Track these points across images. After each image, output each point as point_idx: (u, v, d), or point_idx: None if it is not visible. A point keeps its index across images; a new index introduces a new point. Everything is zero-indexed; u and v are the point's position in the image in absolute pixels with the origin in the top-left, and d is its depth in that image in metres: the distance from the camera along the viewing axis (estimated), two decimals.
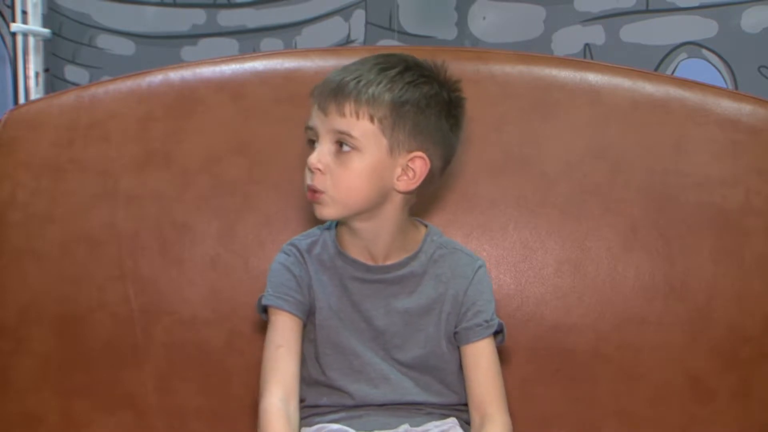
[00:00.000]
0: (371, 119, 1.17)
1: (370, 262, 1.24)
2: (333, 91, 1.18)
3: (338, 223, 1.26)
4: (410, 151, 1.18)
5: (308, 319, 1.25)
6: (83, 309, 1.41)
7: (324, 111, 1.18)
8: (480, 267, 1.26)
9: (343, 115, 1.17)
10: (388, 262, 1.24)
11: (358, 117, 1.16)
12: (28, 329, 1.42)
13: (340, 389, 1.24)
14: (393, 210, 1.22)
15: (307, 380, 1.27)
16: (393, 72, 1.18)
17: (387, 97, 1.17)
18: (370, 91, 1.16)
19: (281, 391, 1.20)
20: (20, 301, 1.42)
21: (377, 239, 1.23)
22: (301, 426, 1.25)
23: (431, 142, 1.19)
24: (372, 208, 1.20)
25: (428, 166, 1.19)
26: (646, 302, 1.37)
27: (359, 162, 1.17)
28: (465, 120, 1.25)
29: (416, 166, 1.19)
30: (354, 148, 1.17)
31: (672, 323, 1.37)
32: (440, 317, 1.24)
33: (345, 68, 1.21)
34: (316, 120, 1.19)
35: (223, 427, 1.39)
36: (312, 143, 1.20)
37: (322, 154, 1.18)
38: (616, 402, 1.37)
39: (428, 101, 1.18)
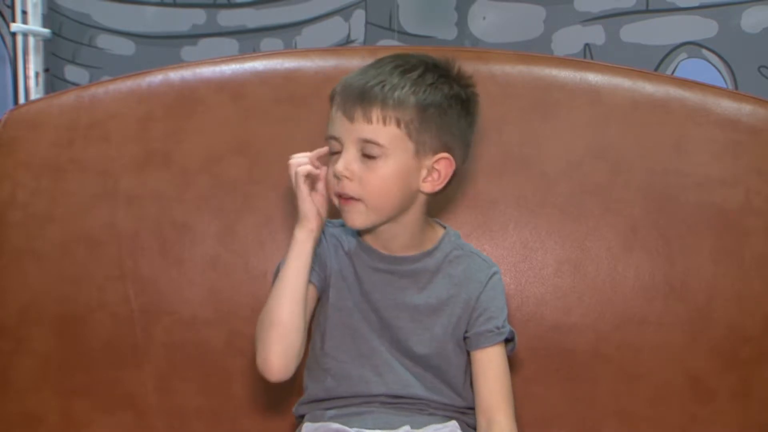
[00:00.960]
0: (398, 124, 1.17)
1: (384, 252, 1.25)
2: (358, 97, 1.17)
3: None
4: (435, 153, 1.19)
5: (323, 298, 1.26)
6: (83, 309, 1.41)
7: (350, 117, 1.17)
8: (495, 273, 1.26)
9: (369, 121, 1.17)
10: (403, 255, 1.25)
11: (385, 123, 1.17)
12: (28, 329, 1.42)
13: (345, 374, 1.24)
14: (417, 210, 1.23)
15: (310, 367, 1.27)
16: (414, 74, 1.19)
17: (412, 100, 1.17)
18: (396, 95, 1.17)
19: None
20: (20, 301, 1.42)
21: (395, 238, 1.24)
22: (304, 421, 1.26)
23: (455, 142, 1.21)
24: (402, 211, 1.21)
25: (453, 165, 1.21)
26: (646, 302, 1.37)
27: (385, 167, 1.18)
28: (478, 116, 1.26)
29: (441, 167, 1.20)
30: (382, 153, 1.17)
31: (672, 323, 1.37)
32: (449, 320, 1.24)
33: (364, 72, 1.20)
34: (341, 128, 1.18)
35: (223, 427, 1.39)
36: (335, 152, 1.20)
37: (348, 161, 1.18)
38: (616, 402, 1.37)
39: (449, 102, 1.19)
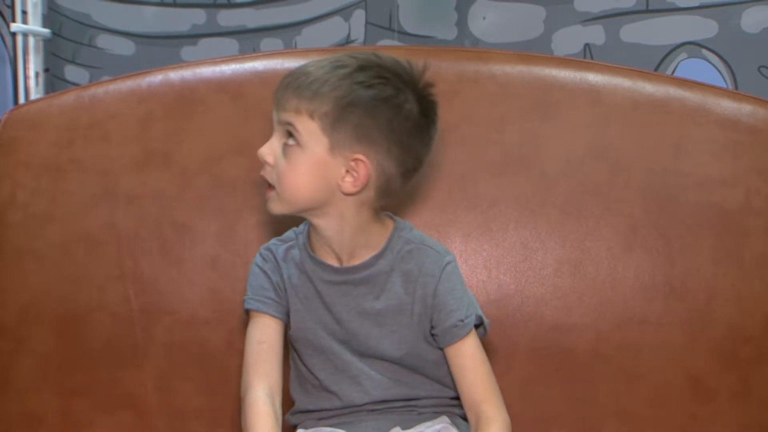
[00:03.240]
0: (311, 116, 1.16)
1: (336, 264, 1.23)
2: (283, 86, 1.18)
3: (309, 225, 1.25)
4: (352, 153, 1.16)
5: (289, 323, 1.26)
6: (83, 309, 1.41)
7: (275, 104, 1.19)
8: (448, 263, 1.23)
9: (285, 109, 1.17)
10: (354, 263, 1.23)
11: (298, 113, 1.16)
12: (28, 329, 1.42)
13: (327, 389, 1.24)
14: (347, 209, 1.20)
15: (298, 382, 1.27)
16: (346, 70, 1.16)
17: (331, 95, 1.15)
18: (314, 88, 1.15)
19: (267, 387, 1.20)
20: (20, 301, 1.42)
21: (337, 237, 1.22)
22: (297, 429, 1.25)
23: (379, 147, 1.16)
24: (321, 205, 1.19)
25: (369, 170, 1.17)
26: (646, 302, 1.37)
27: (300, 158, 1.17)
28: (434, 126, 1.21)
29: (359, 169, 1.17)
30: (298, 143, 1.17)
31: (672, 323, 1.37)
32: (412, 318, 1.22)
33: (306, 63, 1.20)
34: (273, 113, 1.20)
35: (223, 427, 1.39)
36: None
37: (271, 147, 1.19)
38: (616, 402, 1.37)
39: (377, 104, 1.15)
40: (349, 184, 1.17)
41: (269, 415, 1.18)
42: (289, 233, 1.29)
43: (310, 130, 1.16)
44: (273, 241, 1.29)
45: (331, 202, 1.19)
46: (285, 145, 1.18)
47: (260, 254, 1.28)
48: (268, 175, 1.19)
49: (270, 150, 1.19)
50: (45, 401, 1.42)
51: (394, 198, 1.24)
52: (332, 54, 1.22)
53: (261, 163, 1.20)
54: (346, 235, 1.21)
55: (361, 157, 1.16)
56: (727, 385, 1.37)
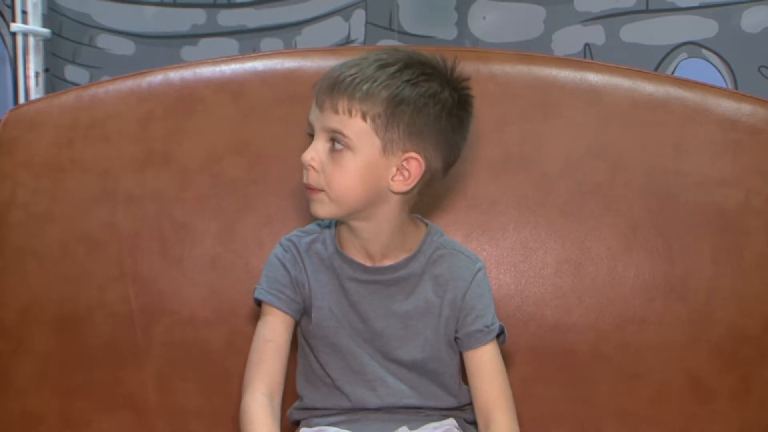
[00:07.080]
0: (364, 117, 1.15)
1: (368, 263, 1.23)
2: (329, 87, 1.16)
3: (338, 222, 1.25)
4: (405, 152, 1.16)
5: (305, 318, 1.25)
6: (83, 309, 1.41)
7: (320, 107, 1.17)
8: (479, 270, 1.24)
9: (336, 112, 1.15)
10: (386, 263, 1.23)
11: (350, 115, 1.15)
12: (28, 329, 1.42)
13: (339, 389, 1.24)
14: (391, 209, 1.20)
15: (306, 377, 1.27)
16: (392, 69, 1.16)
17: (382, 95, 1.14)
18: (365, 88, 1.14)
19: (266, 387, 1.20)
20: (20, 301, 1.42)
21: (375, 239, 1.22)
22: (300, 426, 1.25)
23: (428, 143, 1.17)
24: (368, 207, 1.18)
25: (422, 167, 1.17)
26: (646, 302, 1.37)
27: (351, 161, 1.15)
28: (471, 120, 1.23)
29: (411, 167, 1.17)
30: (347, 146, 1.15)
31: (672, 323, 1.37)
32: (439, 321, 1.23)
33: (345, 63, 1.18)
34: (313, 115, 1.18)
35: (223, 427, 1.39)
36: (311, 138, 1.19)
37: (316, 151, 1.17)
38: (616, 402, 1.37)
39: (426, 101, 1.16)
40: (399, 182, 1.17)
41: (267, 417, 1.18)
42: (313, 226, 1.28)
43: (362, 132, 1.15)
44: (295, 232, 1.28)
45: (377, 203, 1.19)
46: (332, 149, 1.16)
47: (281, 245, 1.26)
48: (313, 179, 1.17)
49: (315, 154, 1.17)
50: (45, 401, 1.41)
51: (432, 193, 1.25)
52: (358, 52, 1.22)
53: (303, 168, 1.18)
54: (384, 236, 1.21)
55: (413, 155, 1.17)
56: (727, 385, 1.37)
